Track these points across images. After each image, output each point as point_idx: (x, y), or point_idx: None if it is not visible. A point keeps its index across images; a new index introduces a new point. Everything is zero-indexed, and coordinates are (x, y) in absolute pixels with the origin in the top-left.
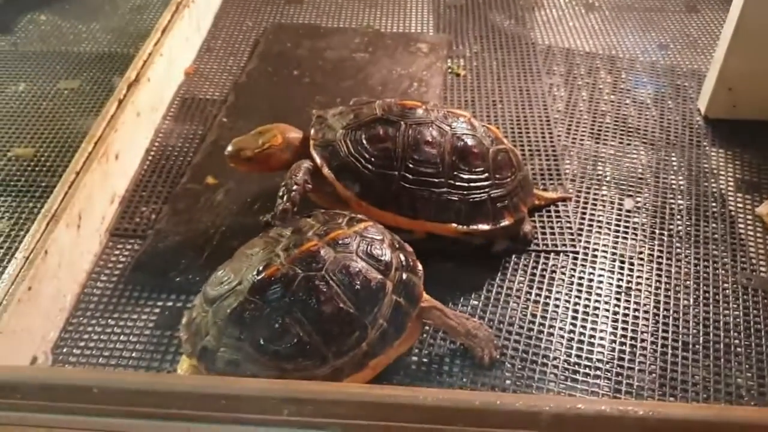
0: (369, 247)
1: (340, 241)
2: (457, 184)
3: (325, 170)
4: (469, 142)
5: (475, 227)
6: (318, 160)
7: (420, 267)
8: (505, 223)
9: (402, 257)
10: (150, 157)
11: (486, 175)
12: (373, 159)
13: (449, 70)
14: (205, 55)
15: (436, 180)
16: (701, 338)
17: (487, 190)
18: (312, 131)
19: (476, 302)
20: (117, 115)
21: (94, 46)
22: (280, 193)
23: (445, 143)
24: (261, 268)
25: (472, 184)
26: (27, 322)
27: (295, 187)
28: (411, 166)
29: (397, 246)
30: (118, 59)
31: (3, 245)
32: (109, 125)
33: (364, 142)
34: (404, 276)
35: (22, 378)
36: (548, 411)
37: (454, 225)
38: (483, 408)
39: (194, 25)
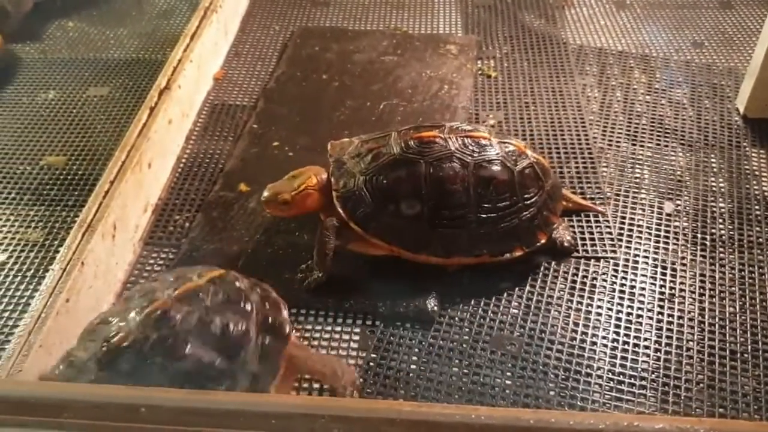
0: (226, 295)
1: (193, 295)
2: (486, 216)
3: (352, 224)
4: (493, 169)
5: (509, 255)
6: (342, 213)
7: (283, 303)
8: (539, 243)
9: (263, 297)
10: (181, 165)
11: (514, 199)
12: (398, 205)
13: (480, 72)
14: (233, 60)
15: (464, 217)
16: (749, 347)
17: (516, 214)
18: (333, 180)
19: (516, 311)
20: (149, 124)
21: (121, 52)
22: (315, 261)
23: (468, 176)
24: (111, 338)
25: (500, 213)
26: (65, 334)
27: (327, 252)
28: (437, 207)
29: (255, 286)
30: (147, 65)
31: (38, 255)
32: (142, 134)
33: (387, 188)
34: (269, 317)
35: (72, 396)
36: (605, 429)
37: (488, 256)
38: (537, 426)
39: (222, 29)
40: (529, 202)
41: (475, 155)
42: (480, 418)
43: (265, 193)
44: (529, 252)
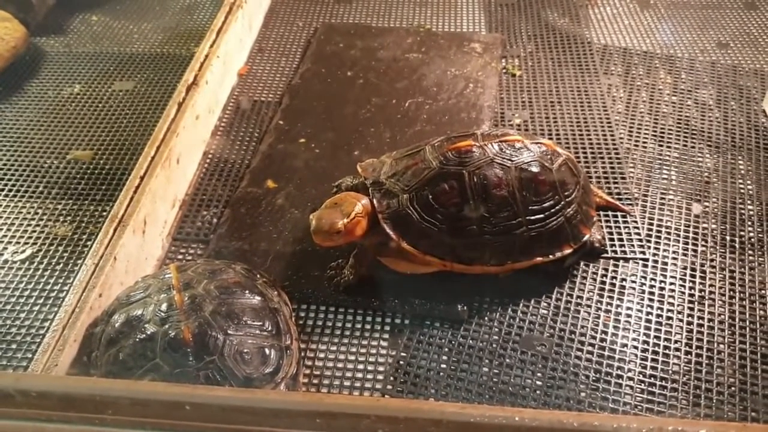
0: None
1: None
2: (534, 218)
3: (404, 245)
4: (534, 170)
5: (560, 253)
6: (393, 235)
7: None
8: (585, 237)
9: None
10: (208, 161)
11: (557, 198)
12: (447, 218)
13: (504, 71)
14: (258, 56)
15: (514, 221)
16: None
17: (561, 212)
18: (375, 202)
19: (545, 311)
20: (177, 119)
21: (146, 46)
22: (350, 265)
23: (512, 180)
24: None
25: (547, 213)
26: None
27: (363, 264)
28: (486, 215)
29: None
30: (171, 60)
31: (66, 249)
32: (170, 129)
33: (433, 203)
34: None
35: (116, 393)
36: None
37: (540, 258)
38: (582, 430)
39: (246, 25)
40: (569, 198)
41: (514, 159)
42: (524, 420)
43: (314, 224)
44: (577, 248)
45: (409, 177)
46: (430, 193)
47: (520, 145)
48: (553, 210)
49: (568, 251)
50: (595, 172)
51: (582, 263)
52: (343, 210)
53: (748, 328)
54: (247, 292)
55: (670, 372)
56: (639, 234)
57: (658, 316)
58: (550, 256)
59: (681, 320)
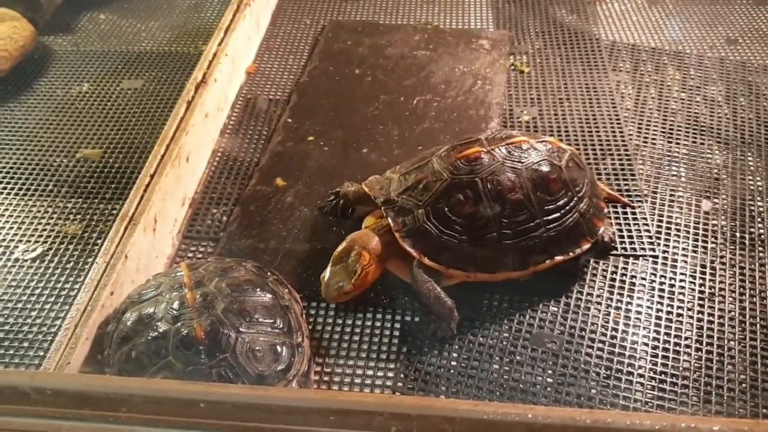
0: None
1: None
2: (551, 218)
3: (427, 261)
4: (545, 169)
5: (579, 250)
6: (414, 253)
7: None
8: (600, 230)
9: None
10: (217, 159)
11: (570, 194)
12: (466, 229)
13: (512, 67)
14: (265, 54)
15: (532, 224)
16: None
17: (575, 208)
18: (390, 221)
19: (555, 309)
20: (187, 117)
21: (154, 45)
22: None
23: (524, 182)
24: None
25: (562, 211)
26: None
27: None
28: (505, 221)
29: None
30: (179, 58)
31: (77, 248)
32: (180, 127)
33: (450, 214)
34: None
35: (130, 390)
36: (662, 430)
37: (560, 257)
38: (595, 426)
39: (254, 23)
40: (581, 193)
41: (523, 161)
42: (537, 417)
43: (324, 290)
44: (595, 241)
45: (421, 191)
46: (446, 205)
47: (527, 145)
48: (567, 207)
49: (586, 246)
50: (605, 169)
51: (592, 261)
52: (348, 267)
53: (758, 325)
54: (258, 289)
55: (681, 369)
56: (649, 231)
57: (669, 313)
58: (570, 254)
59: (691, 317)
